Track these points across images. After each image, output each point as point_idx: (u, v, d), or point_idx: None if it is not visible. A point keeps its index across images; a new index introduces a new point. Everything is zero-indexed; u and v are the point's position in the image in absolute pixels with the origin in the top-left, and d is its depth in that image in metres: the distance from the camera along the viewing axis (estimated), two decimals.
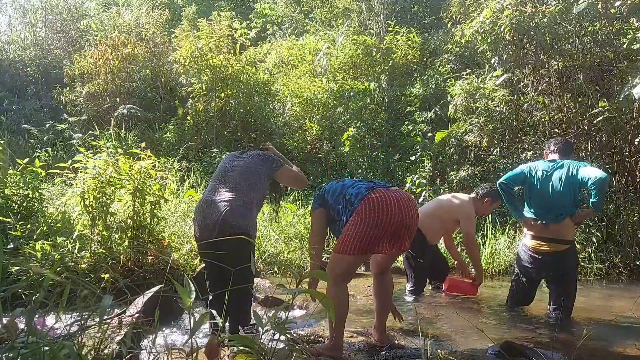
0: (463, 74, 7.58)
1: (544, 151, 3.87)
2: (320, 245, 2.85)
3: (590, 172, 3.29)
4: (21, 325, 1.42)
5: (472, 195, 4.41)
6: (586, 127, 6.28)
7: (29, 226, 3.97)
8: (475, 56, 8.30)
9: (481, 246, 5.90)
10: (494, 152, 7.11)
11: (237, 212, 2.79)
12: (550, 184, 3.46)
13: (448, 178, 7.21)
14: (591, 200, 3.30)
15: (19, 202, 4.26)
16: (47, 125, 9.76)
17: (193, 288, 1.63)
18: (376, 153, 8.33)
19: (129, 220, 4.08)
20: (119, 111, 9.48)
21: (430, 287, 4.50)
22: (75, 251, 3.77)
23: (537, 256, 3.51)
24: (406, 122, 8.53)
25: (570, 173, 3.39)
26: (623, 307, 3.98)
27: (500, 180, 3.65)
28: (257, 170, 2.99)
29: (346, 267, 2.53)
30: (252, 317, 2.61)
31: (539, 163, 3.63)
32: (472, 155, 7.40)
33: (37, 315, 1.42)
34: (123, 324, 2.04)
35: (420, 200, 6.71)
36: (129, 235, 4.07)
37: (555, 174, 3.47)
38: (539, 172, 3.53)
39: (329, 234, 2.87)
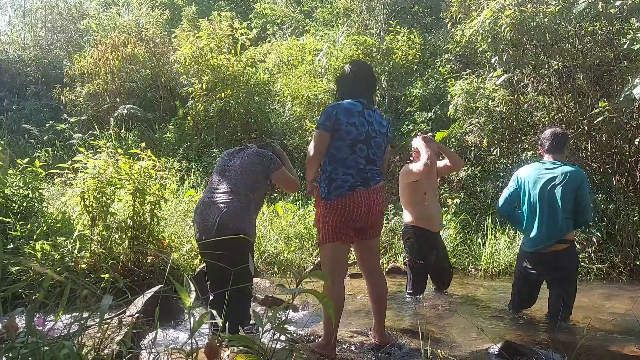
0: (463, 74, 7.57)
1: (540, 149, 3.88)
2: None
3: (584, 205, 3.40)
4: (21, 325, 1.42)
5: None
6: (586, 127, 6.28)
7: (29, 226, 3.97)
8: (476, 56, 8.29)
9: (481, 246, 5.90)
10: (494, 152, 7.11)
11: (234, 214, 2.79)
12: (546, 193, 3.47)
13: (448, 178, 7.21)
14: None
15: (19, 202, 4.27)
16: (47, 125, 9.76)
17: (193, 288, 1.63)
18: None
19: (129, 220, 4.08)
20: (119, 111, 9.48)
21: (433, 288, 4.47)
22: (75, 251, 3.78)
23: (537, 256, 3.51)
24: (406, 122, 8.52)
25: (568, 189, 3.41)
26: (623, 307, 3.97)
27: (498, 209, 3.73)
28: (254, 170, 2.98)
29: (330, 255, 2.67)
30: (252, 317, 2.62)
31: (531, 169, 3.63)
32: (472, 155, 7.40)
33: (37, 315, 1.41)
34: (123, 324, 2.03)
35: None
36: (129, 235, 4.07)
37: (549, 183, 3.47)
38: (532, 181, 3.54)
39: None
